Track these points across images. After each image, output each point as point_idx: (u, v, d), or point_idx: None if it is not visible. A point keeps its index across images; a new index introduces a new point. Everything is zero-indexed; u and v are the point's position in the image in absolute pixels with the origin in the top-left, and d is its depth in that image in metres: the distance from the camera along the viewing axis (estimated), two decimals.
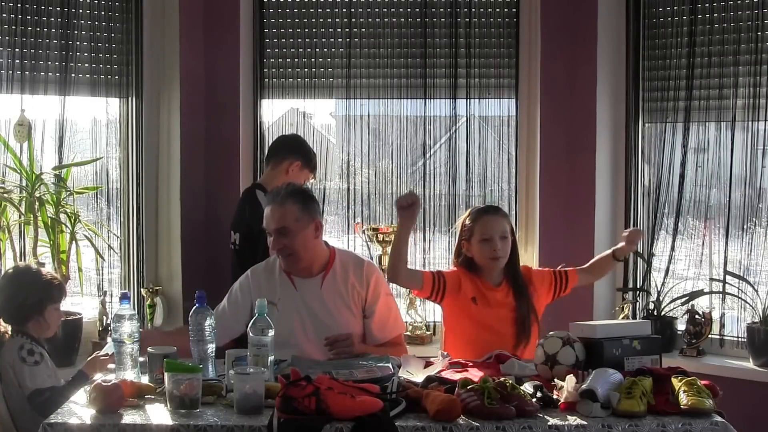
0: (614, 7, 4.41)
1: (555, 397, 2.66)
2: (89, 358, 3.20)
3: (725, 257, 4.21)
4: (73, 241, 4.14)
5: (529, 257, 4.56)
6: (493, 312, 3.44)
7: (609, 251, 3.62)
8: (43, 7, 4.23)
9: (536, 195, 4.51)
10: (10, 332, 3.20)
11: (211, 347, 2.92)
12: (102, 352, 3.19)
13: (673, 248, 4.35)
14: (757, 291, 4.06)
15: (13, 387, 3.09)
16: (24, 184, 4.12)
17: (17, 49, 4.18)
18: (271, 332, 2.84)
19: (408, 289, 4.49)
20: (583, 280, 3.66)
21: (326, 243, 3.48)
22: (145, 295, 4.42)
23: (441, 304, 3.55)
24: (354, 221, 4.66)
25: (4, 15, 4.17)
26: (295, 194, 3.35)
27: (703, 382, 2.69)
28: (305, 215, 3.33)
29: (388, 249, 4.46)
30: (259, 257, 3.88)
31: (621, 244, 3.58)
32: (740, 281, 4.11)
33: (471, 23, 4.58)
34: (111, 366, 3.03)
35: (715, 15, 4.18)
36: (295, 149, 4.20)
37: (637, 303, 4.40)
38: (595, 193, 4.40)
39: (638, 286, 4.42)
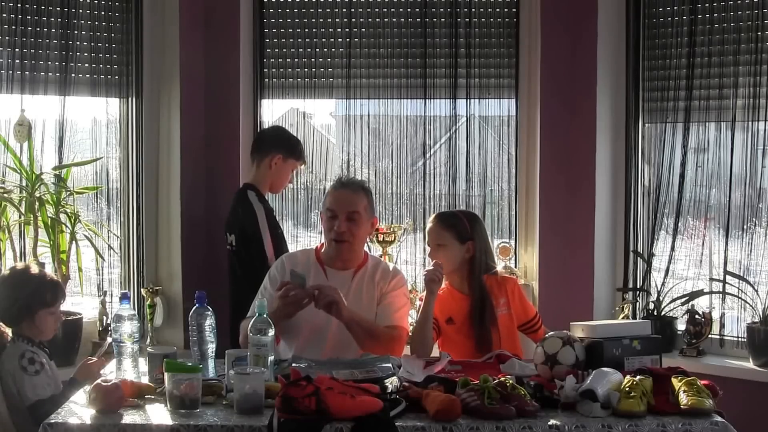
0: (614, 7, 4.40)
1: (555, 397, 2.66)
2: (80, 364, 3.19)
3: (725, 257, 4.21)
4: (73, 241, 4.14)
5: (529, 257, 4.57)
6: (465, 328, 3.45)
7: None
8: (43, 7, 4.23)
9: (536, 195, 4.51)
10: (11, 335, 3.18)
11: (212, 347, 2.93)
12: (94, 357, 3.20)
13: (673, 248, 4.34)
14: (757, 291, 4.06)
15: (13, 395, 3.08)
16: (24, 184, 4.12)
17: (17, 49, 4.18)
18: (271, 332, 2.84)
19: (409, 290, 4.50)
20: None
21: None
22: (145, 295, 4.42)
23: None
24: None
25: (4, 15, 4.16)
26: (366, 189, 3.53)
27: (703, 382, 2.69)
28: (370, 208, 3.50)
29: (388, 249, 4.46)
30: (255, 257, 3.88)
31: None
32: (740, 281, 4.11)
33: (471, 23, 4.58)
34: (104, 371, 3.03)
35: (715, 15, 4.18)
36: (274, 143, 4.20)
37: (637, 303, 4.40)
38: (595, 193, 4.39)
39: (638, 286, 4.42)
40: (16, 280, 3.22)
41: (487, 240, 3.64)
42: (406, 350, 3.47)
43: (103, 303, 4.31)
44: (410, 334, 3.49)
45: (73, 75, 4.34)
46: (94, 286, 4.44)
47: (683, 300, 4.26)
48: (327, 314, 3.30)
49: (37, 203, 4.03)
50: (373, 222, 3.53)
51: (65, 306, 3.69)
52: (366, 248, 3.71)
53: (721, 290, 4.20)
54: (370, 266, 3.51)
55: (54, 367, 3.21)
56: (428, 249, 3.61)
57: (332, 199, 3.46)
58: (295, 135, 4.36)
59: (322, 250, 3.51)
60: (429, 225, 3.61)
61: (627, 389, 2.60)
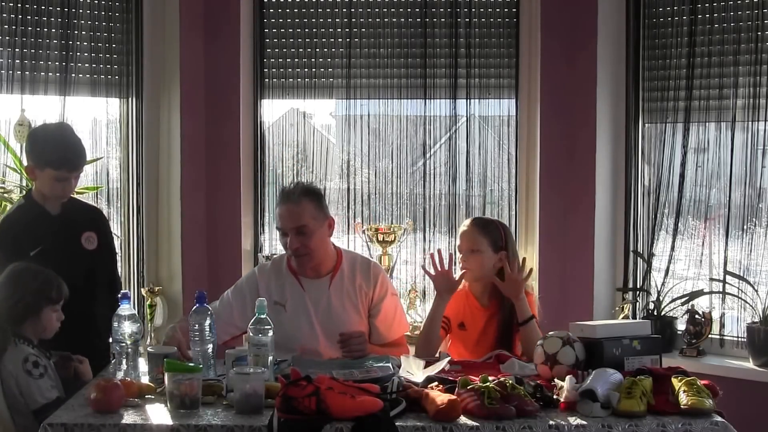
0: (614, 7, 4.41)
1: (555, 397, 2.66)
2: (74, 365, 3.19)
3: (725, 257, 4.21)
4: None
5: (530, 257, 4.56)
6: (479, 336, 3.43)
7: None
8: (43, 7, 4.24)
9: (536, 195, 4.51)
10: (12, 337, 3.15)
11: (212, 347, 2.93)
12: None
13: (673, 248, 4.34)
14: (757, 291, 4.06)
15: (14, 395, 3.06)
16: (24, 184, 4.12)
17: (17, 49, 4.18)
18: (271, 332, 2.83)
19: (409, 289, 4.52)
20: None
21: (333, 244, 3.47)
22: (145, 295, 4.42)
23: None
24: (354, 221, 4.66)
25: (4, 15, 4.17)
26: (309, 192, 3.33)
27: (703, 382, 2.69)
28: (320, 213, 3.32)
29: (388, 249, 4.46)
30: None
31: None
32: (740, 281, 4.11)
33: (471, 23, 4.58)
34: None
35: (715, 15, 4.18)
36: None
37: (637, 303, 4.40)
38: (595, 193, 4.39)
39: (638, 286, 4.42)
40: (22, 277, 3.16)
41: (517, 254, 3.58)
42: (412, 350, 3.46)
43: None
44: (419, 336, 3.45)
45: (73, 75, 4.34)
46: None
47: (683, 300, 4.26)
48: (313, 334, 3.30)
49: None
50: (329, 223, 3.36)
51: None
52: (341, 244, 3.61)
53: (721, 290, 4.20)
54: (346, 267, 3.40)
55: (54, 368, 3.21)
56: (456, 253, 3.53)
57: (278, 216, 3.33)
58: (52, 137, 3.43)
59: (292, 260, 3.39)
60: (464, 228, 3.52)
61: (627, 389, 2.60)
